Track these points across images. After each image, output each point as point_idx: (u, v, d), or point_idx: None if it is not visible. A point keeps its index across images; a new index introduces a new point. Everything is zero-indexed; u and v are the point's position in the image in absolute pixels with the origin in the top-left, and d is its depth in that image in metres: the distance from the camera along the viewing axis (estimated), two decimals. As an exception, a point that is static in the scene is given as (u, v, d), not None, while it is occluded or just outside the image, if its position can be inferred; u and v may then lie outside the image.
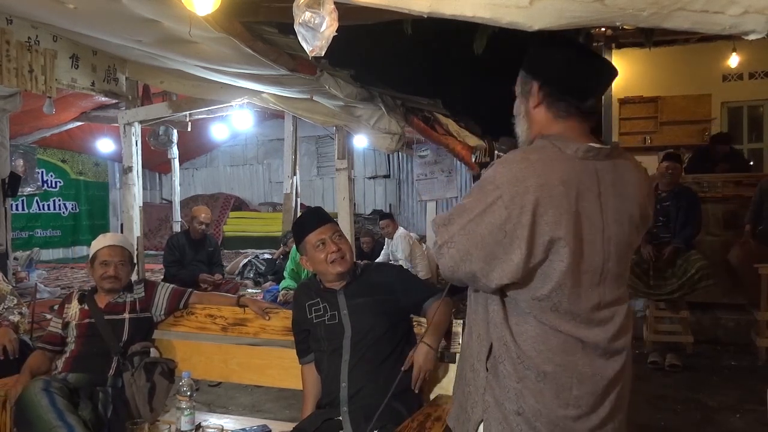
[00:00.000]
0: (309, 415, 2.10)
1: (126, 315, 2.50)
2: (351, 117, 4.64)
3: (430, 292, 2.21)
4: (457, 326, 2.21)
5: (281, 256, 7.47)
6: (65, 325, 2.50)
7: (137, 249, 4.76)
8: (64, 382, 2.29)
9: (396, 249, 7.03)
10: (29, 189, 10.50)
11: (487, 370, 1.37)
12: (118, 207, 11.93)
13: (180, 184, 9.20)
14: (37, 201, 11.22)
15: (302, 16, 1.48)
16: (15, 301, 3.13)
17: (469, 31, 2.77)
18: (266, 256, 8.74)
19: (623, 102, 7.98)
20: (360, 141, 6.17)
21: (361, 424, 1.92)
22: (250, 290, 6.82)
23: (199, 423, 2.25)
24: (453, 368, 2.20)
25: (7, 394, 2.27)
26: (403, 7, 1.41)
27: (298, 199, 8.16)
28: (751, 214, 5.07)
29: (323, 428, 1.99)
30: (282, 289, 5.55)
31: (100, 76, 4.45)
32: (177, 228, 8.48)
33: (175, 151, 8.35)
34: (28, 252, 8.83)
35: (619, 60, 7.58)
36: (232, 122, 8.72)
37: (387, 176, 12.56)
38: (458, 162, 6.18)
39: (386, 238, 7.36)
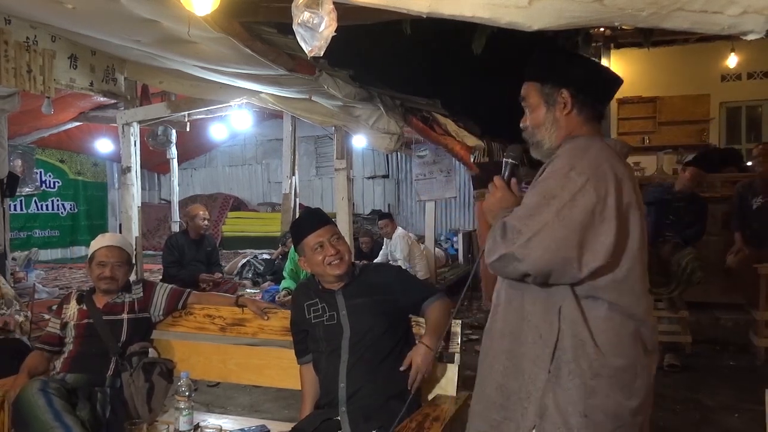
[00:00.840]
0: (307, 415, 2.10)
1: (124, 315, 2.49)
2: (350, 117, 4.63)
3: (429, 292, 2.21)
4: (456, 327, 2.21)
5: (280, 256, 7.46)
6: (63, 326, 2.50)
7: (136, 249, 4.76)
8: (62, 382, 2.28)
9: (395, 249, 7.01)
10: (27, 189, 10.45)
11: (549, 372, 1.38)
12: (117, 207, 11.91)
13: (179, 185, 9.16)
14: (35, 201, 11.17)
15: (301, 16, 1.48)
16: (17, 306, 3.22)
17: (468, 31, 2.77)
18: (265, 256, 8.72)
19: (622, 102, 7.99)
20: (359, 141, 6.15)
21: (360, 424, 1.92)
22: (248, 290, 6.80)
23: (198, 423, 2.25)
24: (452, 369, 2.20)
25: (5, 394, 2.27)
26: (402, 7, 1.41)
27: (297, 199, 8.15)
28: (736, 221, 5.03)
29: (322, 428, 1.99)
30: (282, 290, 5.54)
31: (99, 76, 4.44)
32: (176, 228, 8.45)
33: (173, 151, 8.32)
34: (26, 252, 8.79)
35: (617, 60, 7.60)
36: (231, 122, 8.70)
37: (386, 176, 12.53)
38: (457, 162, 6.17)
39: (385, 238, 7.34)
